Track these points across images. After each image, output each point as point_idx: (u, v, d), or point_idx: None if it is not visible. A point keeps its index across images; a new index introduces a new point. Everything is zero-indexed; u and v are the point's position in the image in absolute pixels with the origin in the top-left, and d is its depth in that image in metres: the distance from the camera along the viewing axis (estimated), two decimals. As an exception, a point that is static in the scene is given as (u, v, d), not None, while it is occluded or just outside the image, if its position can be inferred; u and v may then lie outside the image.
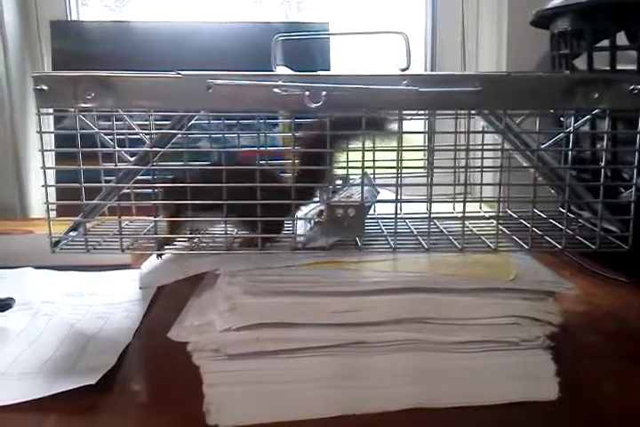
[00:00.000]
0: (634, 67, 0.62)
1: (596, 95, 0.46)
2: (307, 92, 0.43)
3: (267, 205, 0.46)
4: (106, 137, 0.47)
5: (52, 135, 0.80)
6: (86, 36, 0.97)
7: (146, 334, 0.52)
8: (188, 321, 0.41)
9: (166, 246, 0.49)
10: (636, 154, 0.49)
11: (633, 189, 0.49)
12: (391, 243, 0.48)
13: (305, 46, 0.95)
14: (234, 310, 0.39)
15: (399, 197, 0.49)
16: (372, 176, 0.55)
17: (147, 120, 0.49)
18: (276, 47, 0.56)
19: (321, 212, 0.52)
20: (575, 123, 0.49)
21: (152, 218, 0.49)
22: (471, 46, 1.03)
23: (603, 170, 0.49)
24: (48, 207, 0.47)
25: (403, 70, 0.51)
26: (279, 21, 1.07)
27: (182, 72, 0.44)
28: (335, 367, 0.40)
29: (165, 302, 0.58)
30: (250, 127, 0.54)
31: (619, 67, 0.64)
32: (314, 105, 0.43)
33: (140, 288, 0.52)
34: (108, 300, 0.60)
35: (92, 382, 0.42)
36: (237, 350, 0.39)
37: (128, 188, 0.49)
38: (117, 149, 0.47)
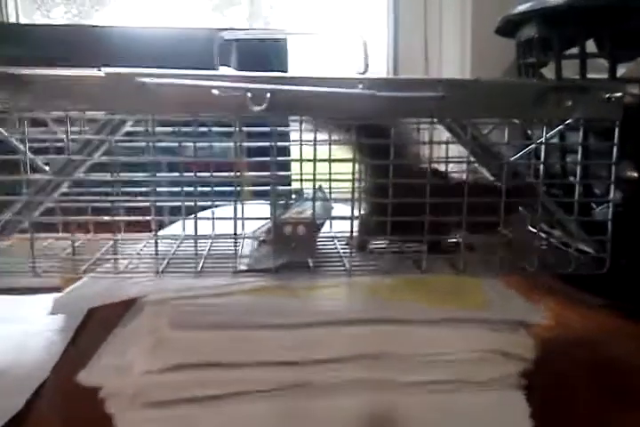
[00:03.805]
0: (603, 76, 0.59)
1: (570, 103, 0.43)
2: (249, 94, 0.38)
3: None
4: (18, 143, 0.41)
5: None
6: (25, 39, 0.91)
7: (64, 370, 0.45)
8: (105, 360, 0.35)
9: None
10: (612, 167, 0.45)
11: (610, 205, 0.45)
12: (347, 264, 0.43)
13: (262, 53, 0.90)
14: (157, 347, 0.33)
15: (356, 213, 0.44)
16: (326, 190, 0.50)
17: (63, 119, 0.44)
18: (220, 46, 0.51)
19: (269, 230, 0.47)
20: (546, 134, 0.45)
21: (71, 236, 0.43)
22: (434, 55, 1.00)
23: (577, 185, 0.45)
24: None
25: (360, 74, 0.46)
26: (233, 28, 1.03)
27: (106, 69, 0.38)
28: (277, 415, 0.34)
29: (93, 332, 0.51)
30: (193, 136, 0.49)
31: (588, 76, 0.60)
32: (257, 108, 0.38)
33: (51, 313, 0.45)
34: (28, 328, 0.52)
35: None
36: (159, 396, 0.33)
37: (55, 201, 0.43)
38: (30, 156, 0.41)
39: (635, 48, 0.60)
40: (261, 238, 0.46)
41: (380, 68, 1.03)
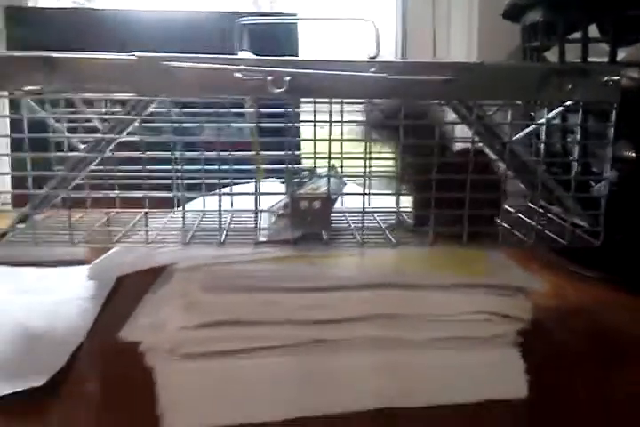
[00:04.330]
0: (604, 59, 0.62)
1: (570, 86, 0.45)
2: (269, 77, 0.41)
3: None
4: (57, 123, 0.45)
5: (7, 122, 0.76)
6: (43, 23, 0.93)
7: (99, 333, 0.49)
8: (142, 319, 0.39)
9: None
10: (608, 147, 0.48)
11: (604, 183, 0.48)
12: (358, 237, 0.47)
13: (273, 35, 0.92)
14: (191, 307, 0.37)
15: (367, 191, 0.48)
16: (339, 168, 0.53)
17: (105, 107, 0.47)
18: (240, 32, 0.54)
19: (286, 204, 0.50)
20: (547, 114, 0.48)
21: (106, 210, 0.46)
22: (442, 39, 1.02)
23: (574, 164, 0.48)
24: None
25: (371, 58, 0.49)
26: (246, 11, 1.05)
27: (137, 53, 0.41)
28: (299, 367, 0.38)
29: (122, 299, 0.55)
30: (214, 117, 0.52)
31: (590, 60, 0.63)
32: (277, 90, 0.41)
33: (89, 279, 0.48)
34: (61, 297, 0.56)
35: (39, 383, 0.40)
36: (193, 349, 0.37)
37: (82, 178, 0.46)
38: (67, 135, 0.44)
39: (635, 33, 0.62)
40: (280, 212, 0.49)
41: (388, 51, 1.05)
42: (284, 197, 0.51)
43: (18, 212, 0.47)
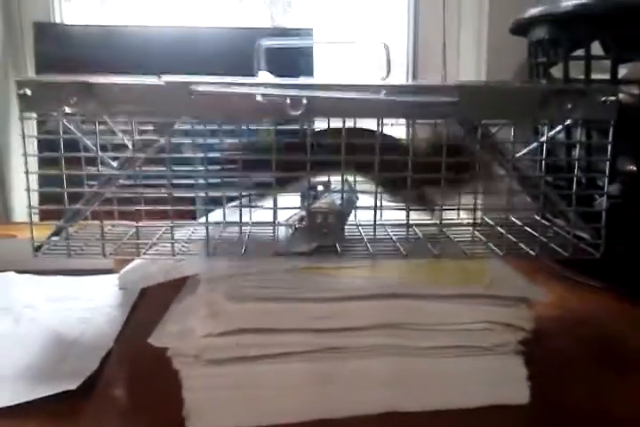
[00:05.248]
0: (607, 75, 0.64)
1: (570, 106, 0.47)
2: (288, 100, 0.44)
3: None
4: (88, 142, 0.48)
5: (35, 139, 0.80)
6: (70, 39, 0.98)
7: (127, 339, 0.52)
8: (169, 326, 0.42)
9: None
10: (607, 163, 0.51)
11: (604, 197, 0.50)
12: (370, 249, 0.49)
13: (288, 51, 0.96)
14: (214, 315, 0.40)
15: (378, 204, 0.50)
16: (352, 182, 0.56)
17: (129, 124, 0.50)
18: (259, 53, 0.57)
19: (302, 218, 0.53)
20: (550, 132, 0.50)
21: (134, 223, 0.49)
22: (452, 53, 1.05)
23: (576, 178, 0.50)
24: (30, 212, 0.47)
25: (383, 79, 0.52)
26: (263, 27, 1.08)
27: (165, 78, 0.44)
28: (314, 372, 0.41)
29: (147, 308, 0.58)
30: (232, 132, 0.55)
31: (594, 75, 0.65)
32: (294, 113, 0.44)
33: (120, 289, 0.52)
34: (90, 304, 0.60)
35: (73, 387, 0.43)
36: (217, 355, 0.40)
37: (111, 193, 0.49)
38: (100, 154, 0.48)
39: (636, 50, 0.65)
40: (296, 225, 0.52)
41: (399, 64, 1.08)
42: (298, 209, 0.53)
43: (50, 225, 0.50)
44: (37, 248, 0.48)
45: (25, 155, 0.46)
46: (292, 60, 0.94)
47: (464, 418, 0.41)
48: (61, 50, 0.97)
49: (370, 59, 1.05)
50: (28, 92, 0.43)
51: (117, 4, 1.13)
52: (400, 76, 1.07)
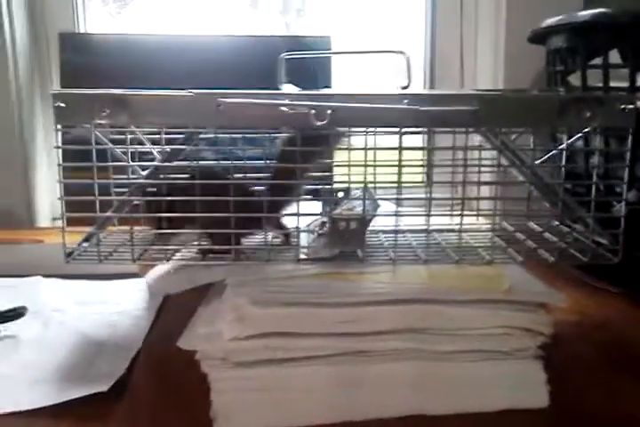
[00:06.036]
0: (625, 83, 0.64)
1: (589, 114, 0.48)
2: (312, 111, 0.45)
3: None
4: (118, 151, 0.50)
5: (60, 151, 0.82)
6: (94, 49, 1.00)
7: (154, 342, 0.53)
8: (197, 330, 0.43)
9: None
10: (626, 170, 0.51)
11: (622, 203, 0.51)
12: (391, 255, 0.50)
13: (308, 63, 0.97)
14: (241, 319, 0.41)
15: (399, 211, 0.51)
16: (372, 190, 0.57)
17: (156, 133, 0.52)
18: (281, 65, 0.58)
19: (323, 224, 0.54)
20: (569, 139, 0.51)
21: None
22: (469, 62, 1.05)
23: (594, 185, 0.51)
24: (64, 219, 0.49)
25: (403, 88, 0.53)
26: (280, 35, 1.10)
27: (193, 91, 0.46)
28: (338, 375, 0.42)
29: (172, 311, 0.60)
30: (255, 140, 0.56)
31: (612, 83, 0.66)
32: (319, 123, 0.45)
33: (150, 295, 0.53)
34: (117, 308, 0.61)
35: (105, 388, 0.44)
36: (244, 358, 0.41)
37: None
38: (131, 163, 0.49)
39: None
40: (319, 232, 0.53)
41: (417, 73, 1.09)
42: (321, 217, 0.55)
43: (78, 231, 0.51)
44: (69, 254, 0.50)
45: (59, 165, 0.48)
46: (310, 69, 0.96)
47: (485, 421, 0.42)
48: (86, 59, 0.99)
49: (387, 66, 1.06)
50: (63, 104, 0.45)
51: (137, 12, 1.15)
52: (417, 85, 1.09)
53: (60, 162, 0.48)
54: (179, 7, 1.12)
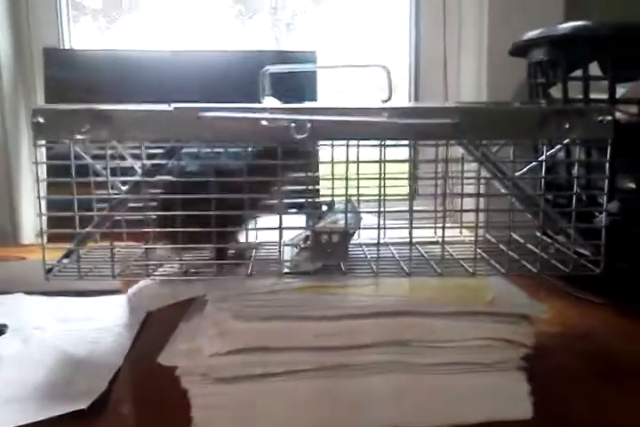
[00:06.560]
0: (605, 95, 0.65)
1: (568, 125, 0.49)
2: (292, 124, 0.45)
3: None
4: (98, 166, 0.49)
5: (45, 166, 0.82)
6: (79, 64, 1.00)
7: (135, 359, 0.53)
8: (178, 346, 0.43)
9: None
10: (606, 181, 0.51)
11: (603, 214, 0.51)
12: (374, 267, 0.50)
13: (292, 73, 0.97)
14: (223, 334, 0.41)
15: (382, 224, 0.51)
16: (355, 202, 0.57)
17: (138, 148, 0.51)
18: (264, 79, 0.58)
19: (307, 237, 0.54)
20: (550, 150, 0.52)
21: (142, 244, 0.50)
22: (453, 75, 1.06)
23: (575, 196, 0.51)
24: (42, 235, 0.48)
25: (384, 101, 0.53)
26: (267, 50, 1.10)
27: (174, 104, 0.46)
28: (319, 390, 0.41)
29: (154, 327, 0.59)
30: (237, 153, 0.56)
31: (593, 95, 0.66)
32: (299, 136, 0.45)
33: (131, 311, 0.53)
34: (99, 325, 0.61)
35: (84, 406, 0.43)
36: (224, 373, 0.41)
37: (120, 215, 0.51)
38: (111, 178, 0.49)
39: (634, 69, 0.66)
40: (302, 245, 0.53)
41: (402, 85, 1.10)
42: (304, 230, 0.54)
43: (60, 248, 0.51)
44: (49, 271, 0.49)
45: (37, 180, 0.48)
46: (296, 83, 0.96)
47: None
48: (71, 74, 0.99)
49: (372, 80, 1.07)
50: (42, 120, 0.45)
51: (124, 28, 1.16)
52: (402, 97, 1.10)
53: (39, 178, 0.47)
54: (169, 22, 1.13)
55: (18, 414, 0.43)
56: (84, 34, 1.12)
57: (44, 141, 0.47)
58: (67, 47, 1.07)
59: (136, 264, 0.52)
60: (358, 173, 0.53)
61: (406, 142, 0.58)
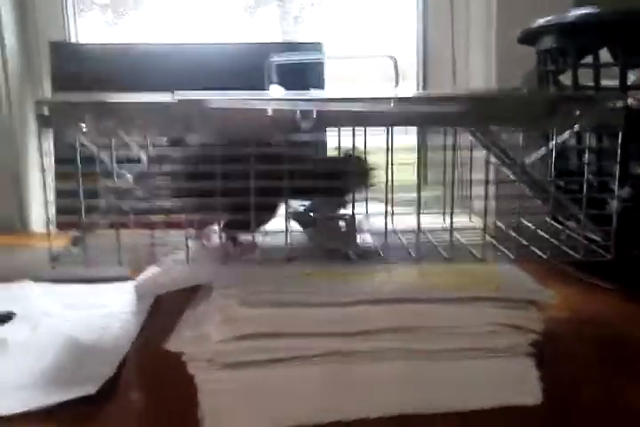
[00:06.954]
0: (616, 81, 0.64)
1: (578, 112, 0.48)
2: (298, 113, 0.45)
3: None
4: (104, 156, 0.49)
5: (52, 151, 0.82)
6: (85, 57, 1.00)
7: (143, 345, 0.53)
8: (185, 332, 0.42)
9: None
10: (617, 166, 0.51)
11: (615, 200, 0.50)
12: (382, 254, 0.50)
13: (299, 65, 0.97)
14: (229, 320, 0.40)
15: (390, 211, 0.51)
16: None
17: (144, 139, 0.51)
18: (270, 69, 0.58)
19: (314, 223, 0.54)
20: (560, 137, 0.51)
21: (149, 232, 0.50)
22: (461, 63, 1.06)
23: (586, 182, 0.51)
24: (48, 223, 0.48)
25: (392, 90, 0.53)
26: (274, 42, 1.10)
27: (178, 95, 0.46)
28: (327, 375, 0.41)
29: (161, 314, 0.59)
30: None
31: (604, 82, 0.65)
32: (306, 125, 0.45)
33: (137, 298, 0.53)
34: (106, 311, 0.61)
35: (92, 391, 0.44)
36: (231, 359, 0.40)
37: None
38: (116, 167, 0.49)
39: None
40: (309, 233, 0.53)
41: (411, 75, 1.09)
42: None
43: (67, 235, 0.51)
44: (54, 258, 0.49)
45: (43, 170, 0.48)
46: (304, 74, 0.95)
47: (477, 419, 0.42)
48: (77, 68, 0.99)
49: (381, 70, 1.07)
50: (46, 111, 0.45)
51: (131, 21, 1.15)
52: (412, 87, 1.09)
53: (45, 167, 0.48)
54: (178, 16, 1.12)
55: (27, 400, 0.43)
56: (92, 28, 1.12)
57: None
58: (73, 41, 1.07)
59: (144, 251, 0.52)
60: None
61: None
